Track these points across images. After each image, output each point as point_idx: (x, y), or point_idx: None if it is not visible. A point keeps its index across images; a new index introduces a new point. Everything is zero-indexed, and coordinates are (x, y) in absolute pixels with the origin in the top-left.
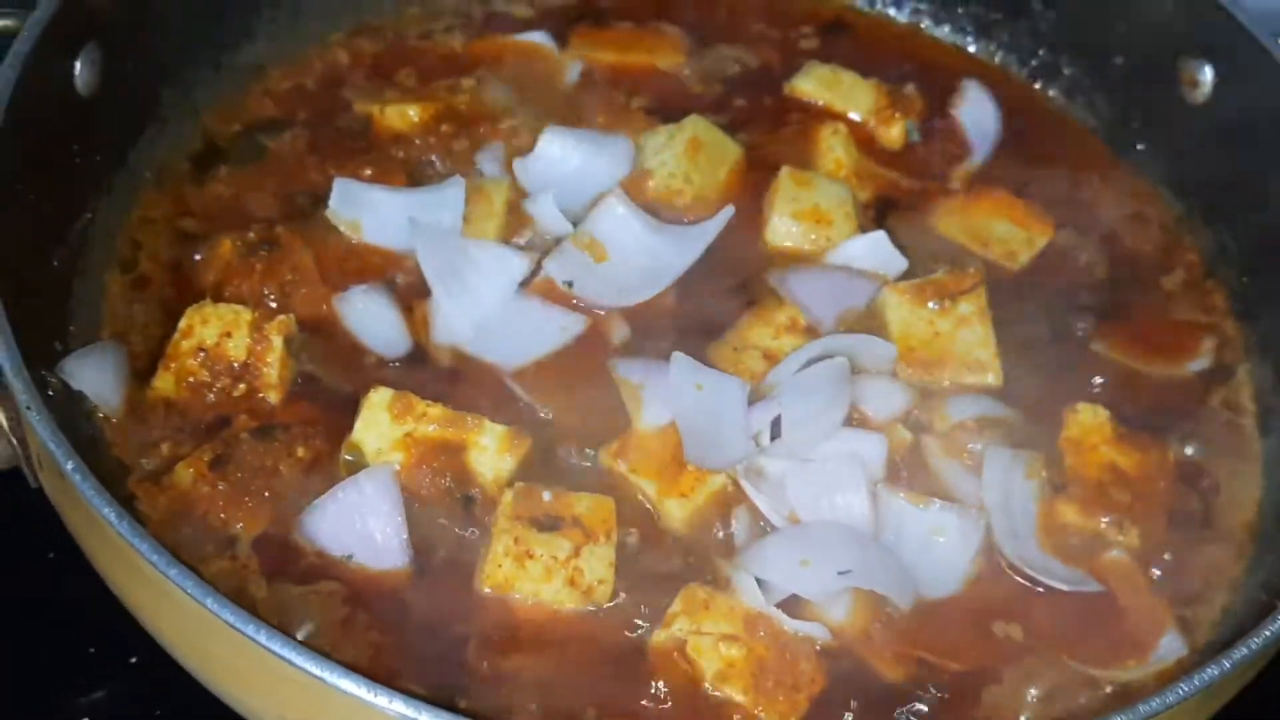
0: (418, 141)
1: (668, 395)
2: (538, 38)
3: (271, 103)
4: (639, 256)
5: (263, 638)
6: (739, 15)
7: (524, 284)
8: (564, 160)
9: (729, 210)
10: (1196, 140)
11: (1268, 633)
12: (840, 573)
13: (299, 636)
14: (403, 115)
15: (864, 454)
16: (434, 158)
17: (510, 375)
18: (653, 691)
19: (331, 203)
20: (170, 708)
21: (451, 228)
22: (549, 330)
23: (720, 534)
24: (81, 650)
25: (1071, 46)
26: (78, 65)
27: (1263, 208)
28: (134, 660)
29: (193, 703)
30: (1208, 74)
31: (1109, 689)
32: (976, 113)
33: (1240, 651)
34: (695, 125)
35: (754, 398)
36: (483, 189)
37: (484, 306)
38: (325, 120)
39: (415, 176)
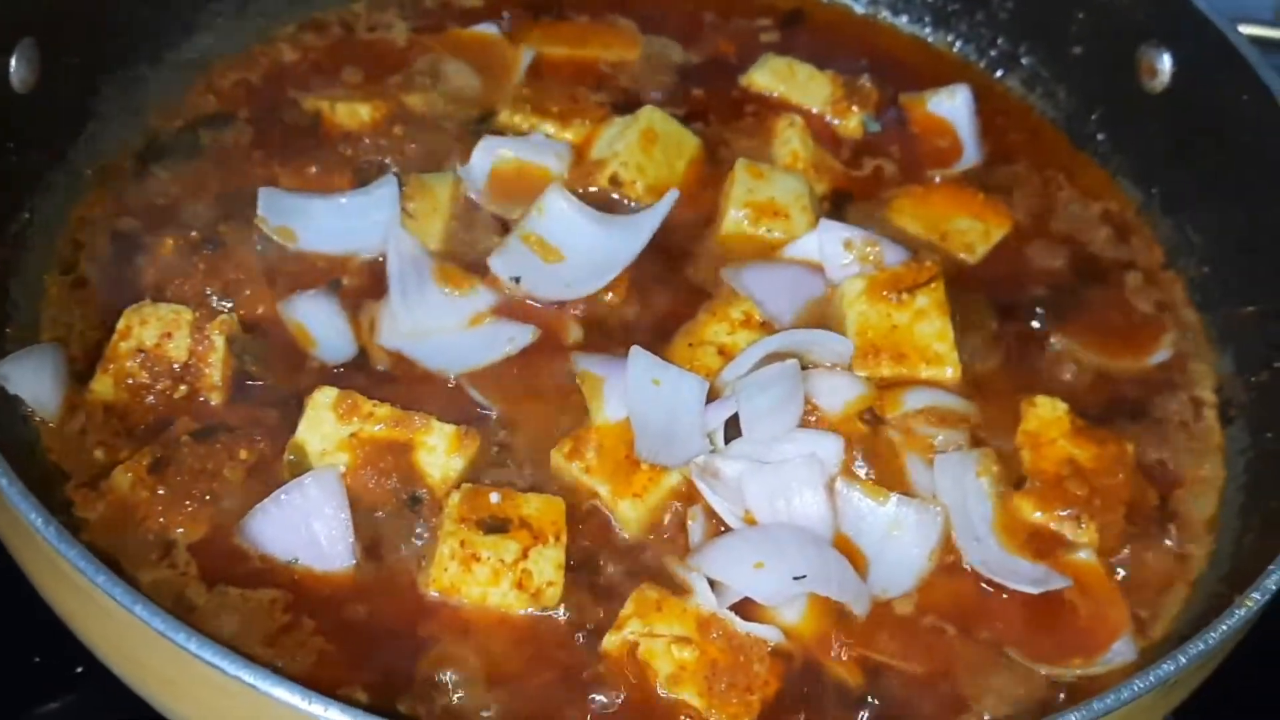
0: (367, 141)
1: (624, 390)
2: (490, 30)
3: (215, 99)
4: (585, 248)
5: (193, 646)
6: (696, 7)
7: None
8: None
9: (673, 194)
10: (1156, 129)
11: (1224, 627)
12: (795, 578)
13: (238, 643)
14: (354, 114)
15: (821, 455)
16: (386, 160)
17: (460, 376)
18: (604, 695)
19: (259, 211)
20: (117, 719)
21: (390, 226)
22: (496, 340)
23: (674, 535)
24: (27, 660)
25: (1030, 36)
26: (13, 61)
27: (1222, 196)
28: (80, 670)
29: (140, 713)
30: (1166, 62)
31: (1064, 689)
32: (966, 114)
33: (1196, 647)
34: (650, 116)
35: (710, 395)
36: (428, 185)
37: (438, 322)
38: (271, 116)
39: (362, 176)
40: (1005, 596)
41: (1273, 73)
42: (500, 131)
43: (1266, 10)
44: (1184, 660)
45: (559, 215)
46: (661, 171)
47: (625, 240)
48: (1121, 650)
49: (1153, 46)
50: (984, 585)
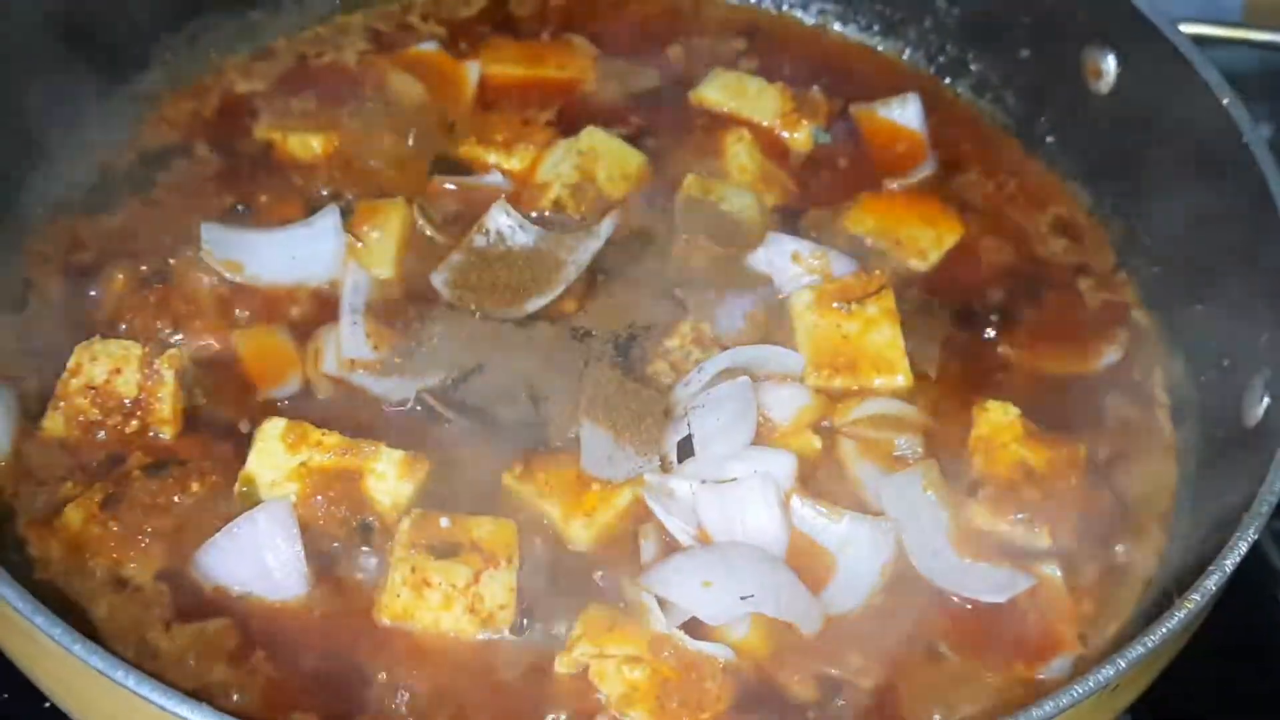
0: (319, 170)
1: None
2: (442, 52)
3: (166, 131)
4: (529, 265)
5: (131, 682)
6: (648, 25)
7: None
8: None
9: (615, 214)
10: (1104, 130)
11: (1164, 629)
12: (743, 597)
13: (193, 675)
14: (305, 145)
15: (774, 472)
16: (339, 189)
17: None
18: (557, 717)
19: (204, 245)
20: None
21: (335, 256)
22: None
23: (626, 554)
24: None
25: (977, 42)
26: None
27: (1170, 195)
28: (48, 705)
29: None
30: (1111, 63)
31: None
32: (916, 122)
33: (1135, 650)
34: (592, 136)
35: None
36: (379, 209)
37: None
38: (222, 147)
39: (314, 205)
40: (969, 607)
41: (1213, 70)
42: (449, 158)
43: (1234, 12)
44: (1124, 665)
45: (503, 230)
46: (606, 190)
47: (569, 256)
48: (1063, 666)
49: (1096, 48)
50: (931, 595)
